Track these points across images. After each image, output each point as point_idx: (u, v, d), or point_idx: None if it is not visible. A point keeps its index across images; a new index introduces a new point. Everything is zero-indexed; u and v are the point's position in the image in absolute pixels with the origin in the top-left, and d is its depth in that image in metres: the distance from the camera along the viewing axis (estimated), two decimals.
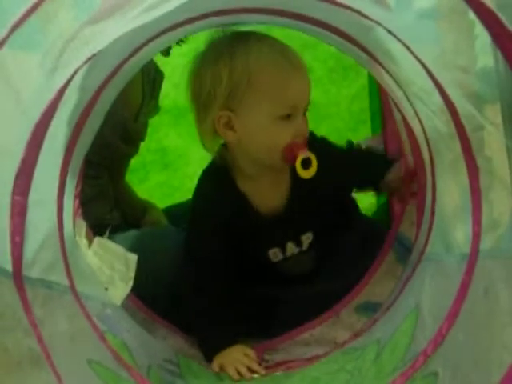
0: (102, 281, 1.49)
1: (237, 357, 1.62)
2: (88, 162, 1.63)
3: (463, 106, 1.21)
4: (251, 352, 1.65)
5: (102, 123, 1.48)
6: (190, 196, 1.89)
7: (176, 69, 2.19)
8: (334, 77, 2.43)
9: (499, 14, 0.98)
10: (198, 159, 2.51)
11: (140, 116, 2.11)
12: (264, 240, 1.78)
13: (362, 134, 2.25)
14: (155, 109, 2.18)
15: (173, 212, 2.25)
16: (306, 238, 1.80)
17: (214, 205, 1.72)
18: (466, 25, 1.17)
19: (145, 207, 2.22)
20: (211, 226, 1.72)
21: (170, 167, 2.57)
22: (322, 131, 2.39)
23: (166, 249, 1.83)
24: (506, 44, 0.99)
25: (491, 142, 1.24)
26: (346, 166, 1.78)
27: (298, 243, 1.81)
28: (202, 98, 1.64)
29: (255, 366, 1.61)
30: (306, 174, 1.59)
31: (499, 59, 1.08)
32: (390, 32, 1.24)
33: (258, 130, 1.59)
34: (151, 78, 2.11)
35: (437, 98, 1.28)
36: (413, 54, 1.24)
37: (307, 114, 1.67)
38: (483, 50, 1.15)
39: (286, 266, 1.83)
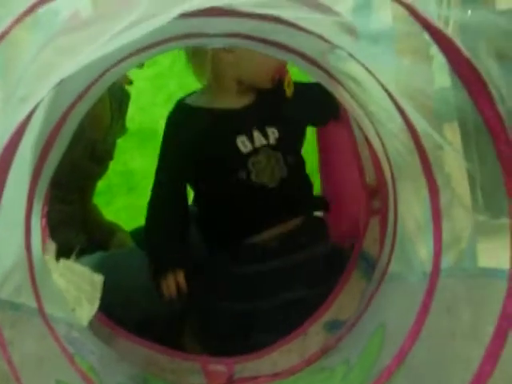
0: (68, 302, 1.49)
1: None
2: (57, 184, 1.63)
3: (422, 126, 1.23)
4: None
5: (72, 144, 1.48)
6: None
7: (141, 92, 2.21)
8: None
9: (455, 40, 1.01)
10: None
11: (108, 136, 2.11)
12: (231, 127, 1.89)
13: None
14: (123, 129, 2.19)
15: (139, 234, 2.25)
16: (272, 133, 1.89)
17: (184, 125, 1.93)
18: (421, 46, 1.20)
19: (112, 229, 2.22)
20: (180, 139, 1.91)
21: (135, 190, 2.58)
22: None
23: (133, 269, 1.84)
24: (462, 69, 1.02)
25: (450, 161, 1.27)
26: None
27: (265, 134, 1.89)
28: None
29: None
30: (289, 92, 1.86)
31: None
32: (350, 55, 1.26)
33: (256, 53, 1.67)
34: (118, 98, 2.12)
35: (397, 118, 1.30)
36: (373, 75, 1.27)
37: None
38: (440, 70, 1.19)
39: (256, 165, 1.88)
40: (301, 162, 1.95)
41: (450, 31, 1.05)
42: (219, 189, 1.89)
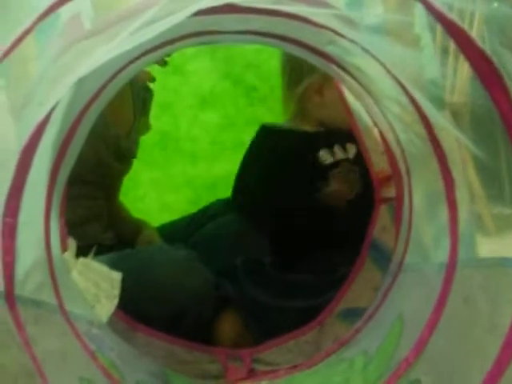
0: (88, 300, 1.50)
1: None
2: (82, 182, 1.64)
3: (436, 119, 1.24)
4: None
5: (96, 142, 1.49)
6: (142, 216, 2.14)
7: None
8: (277, 94, 2.45)
9: (469, 33, 1.01)
10: (148, 181, 2.55)
11: (132, 133, 2.12)
12: (313, 142, 2.02)
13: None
14: (146, 126, 2.19)
15: (165, 230, 2.26)
16: (351, 148, 1.99)
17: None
18: (412, 39, 1.21)
19: (139, 226, 2.22)
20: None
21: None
22: None
23: (161, 265, 1.84)
24: (477, 62, 1.02)
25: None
26: None
27: (344, 149, 2.00)
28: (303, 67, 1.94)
29: None
30: None
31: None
32: (364, 49, 1.27)
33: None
34: (141, 96, 2.13)
35: (410, 110, 1.32)
36: (387, 69, 1.28)
37: None
38: (430, 62, 1.20)
39: (336, 176, 1.98)
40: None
41: (474, 25, 1.06)
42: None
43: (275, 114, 2.40)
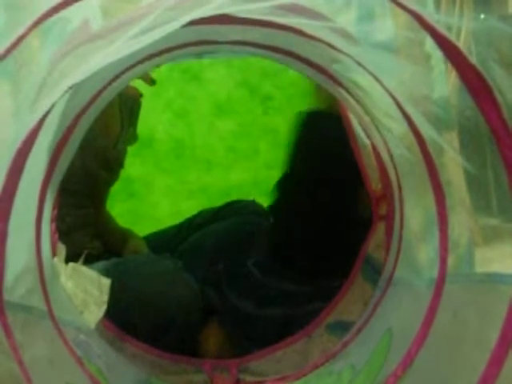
0: (76, 305, 1.50)
1: None
2: (70, 191, 1.64)
3: (427, 132, 1.25)
4: None
5: (83, 152, 1.49)
6: (155, 224, 1.97)
7: None
8: (293, 104, 2.47)
9: (461, 46, 1.02)
10: (162, 188, 2.56)
11: (119, 144, 2.13)
12: None
13: None
14: (133, 136, 2.20)
15: (152, 240, 2.27)
16: None
17: None
18: (423, 56, 1.22)
19: (126, 235, 2.23)
20: None
21: (134, 196, 2.59)
22: (284, 158, 2.44)
23: (148, 275, 1.85)
24: (468, 76, 1.03)
25: (450, 166, 1.29)
26: None
27: None
28: None
29: None
30: None
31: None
32: (357, 62, 1.28)
33: None
34: (129, 105, 2.14)
35: (402, 124, 1.32)
36: (380, 83, 1.28)
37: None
38: (439, 80, 1.20)
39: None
40: None
41: (461, 38, 1.06)
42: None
43: (290, 123, 2.42)
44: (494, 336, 1.09)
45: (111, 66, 1.10)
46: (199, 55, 1.71)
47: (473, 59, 1.03)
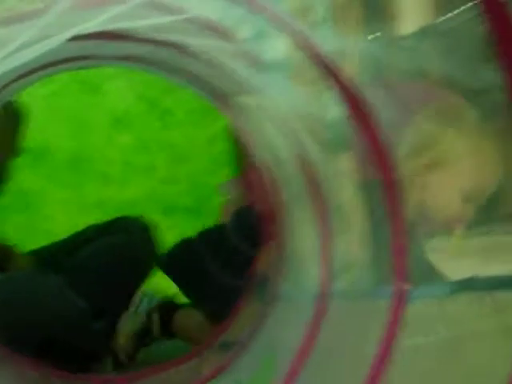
0: None
1: None
2: None
3: (315, 154, 1.26)
4: None
5: None
6: (50, 238, 1.92)
7: (35, 111, 2.18)
8: (193, 119, 2.46)
9: (340, 67, 1.04)
10: (57, 201, 2.51)
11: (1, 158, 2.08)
12: None
13: (221, 177, 2.29)
14: (16, 151, 2.15)
15: (37, 255, 2.22)
16: None
17: None
18: (317, 76, 1.24)
19: (9, 251, 2.18)
20: None
21: (29, 209, 2.53)
22: (181, 173, 2.44)
23: (32, 291, 1.81)
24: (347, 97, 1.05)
25: (343, 188, 1.31)
26: None
27: None
28: None
29: None
30: None
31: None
32: (247, 82, 1.29)
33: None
34: (11, 119, 2.09)
35: (290, 145, 1.33)
36: (270, 103, 1.29)
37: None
38: (333, 102, 1.22)
39: None
40: None
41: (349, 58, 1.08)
42: None
43: (189, 138, 2.41)
44: (373, 351, 1.10)
45: None
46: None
47: (356, 80, 1.05)
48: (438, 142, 1.29)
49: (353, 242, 1.33)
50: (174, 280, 2.15)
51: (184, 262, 2.12)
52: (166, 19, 1.10)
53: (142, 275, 2.15)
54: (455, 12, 1.34)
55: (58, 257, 2.17)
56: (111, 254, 2.08)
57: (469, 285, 1.14)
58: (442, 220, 1.60)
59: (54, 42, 1.03)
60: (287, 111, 1.28)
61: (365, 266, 1.32)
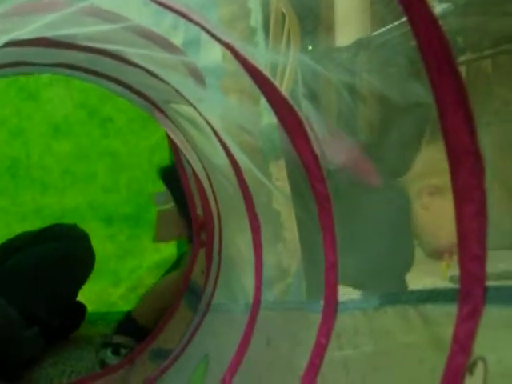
0: None
1: None
2: None
3: (245, 163, 1.26)
4: None
5: None
6: None
7: None
8: (134, 127, 2.44)
9: (273, 80, 1.04)
10: None
11: None
12: None
13: (161, 186, 2.28)
14: None
15: None
16: None
17: None
18: (249, 85, 1.24)
19: None
20: None
21: None
22: (122, 181, 2.42)
23: None
24: (280, 109, 1.05)
25: (278, 197, 1.31)
26: None
27: None
28: None
29: None
30: None
31: None
32: (177, 92, 1.28)
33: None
34: None
35: (222, 154, 1.33)
36: (199, 113, 1.29)
37: None
38: (267, 109, 1.22)
39: None
40: None
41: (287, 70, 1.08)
42: None
43: (130, 146, 2.39)
44: (303, 363, 1.11)
45: None
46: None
47: (289, 95, 1.05)
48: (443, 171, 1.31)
49: (285, 252, 1.34)
50: None
51: None
52: (104, 27, 1.09)
53: (77, 281, 2.16)
54: (388, 27, 1.36)
55: None
56: (43, 260, 2.06)
57: (397, 298, 1.14)
58: (435, 246, 1.63)
59: None
60: (219, 119, 1.27)
61: (297, 277, 1.32)
